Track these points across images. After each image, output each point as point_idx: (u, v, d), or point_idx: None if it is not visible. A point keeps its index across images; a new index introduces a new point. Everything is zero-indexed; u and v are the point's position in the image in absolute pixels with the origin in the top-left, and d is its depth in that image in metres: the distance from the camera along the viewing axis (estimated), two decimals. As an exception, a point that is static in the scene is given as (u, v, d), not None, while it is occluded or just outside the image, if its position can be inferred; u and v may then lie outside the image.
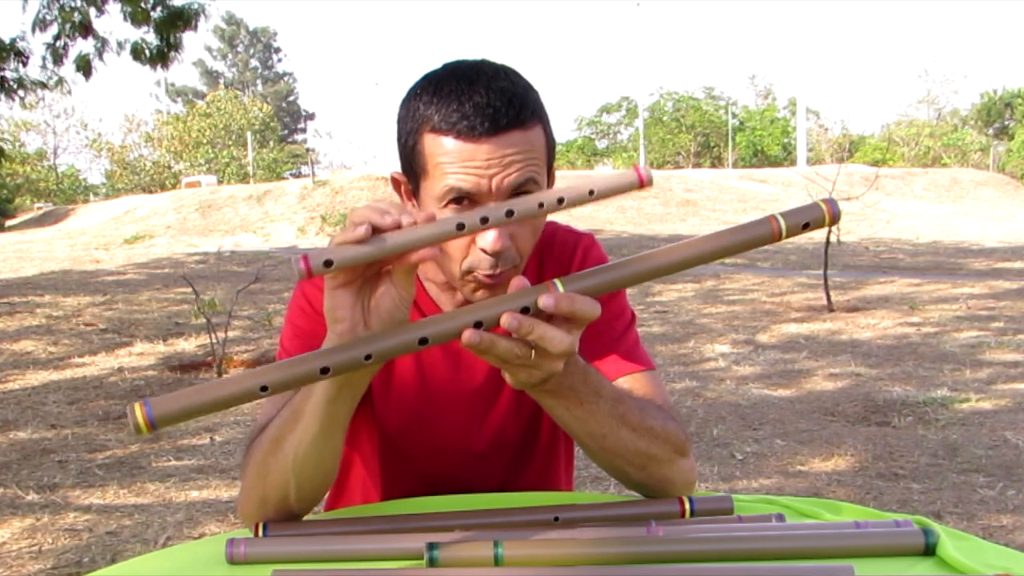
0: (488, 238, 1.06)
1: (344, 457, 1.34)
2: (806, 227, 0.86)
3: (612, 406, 1.06)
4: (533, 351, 0.88)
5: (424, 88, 1.10)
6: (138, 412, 0.78)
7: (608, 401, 1.05)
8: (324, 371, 0.82)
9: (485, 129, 1.04)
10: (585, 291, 0.87)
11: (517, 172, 1.05)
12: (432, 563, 0.91)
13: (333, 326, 0.89)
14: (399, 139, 1.13)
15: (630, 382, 1.20)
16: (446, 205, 1.07)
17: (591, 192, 0.84)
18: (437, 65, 1.14)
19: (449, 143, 1.05)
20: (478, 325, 0.84)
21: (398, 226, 0.82)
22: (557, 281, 0.87)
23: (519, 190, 1.07)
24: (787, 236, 0.86)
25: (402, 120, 1.12)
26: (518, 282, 0.88)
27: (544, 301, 0.85)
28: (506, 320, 0.84)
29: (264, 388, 0.81)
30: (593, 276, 0.88)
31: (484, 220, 0.83)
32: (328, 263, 0.80)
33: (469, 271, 1.10)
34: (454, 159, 1.05)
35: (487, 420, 1.26)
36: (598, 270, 0.88)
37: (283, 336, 1.23)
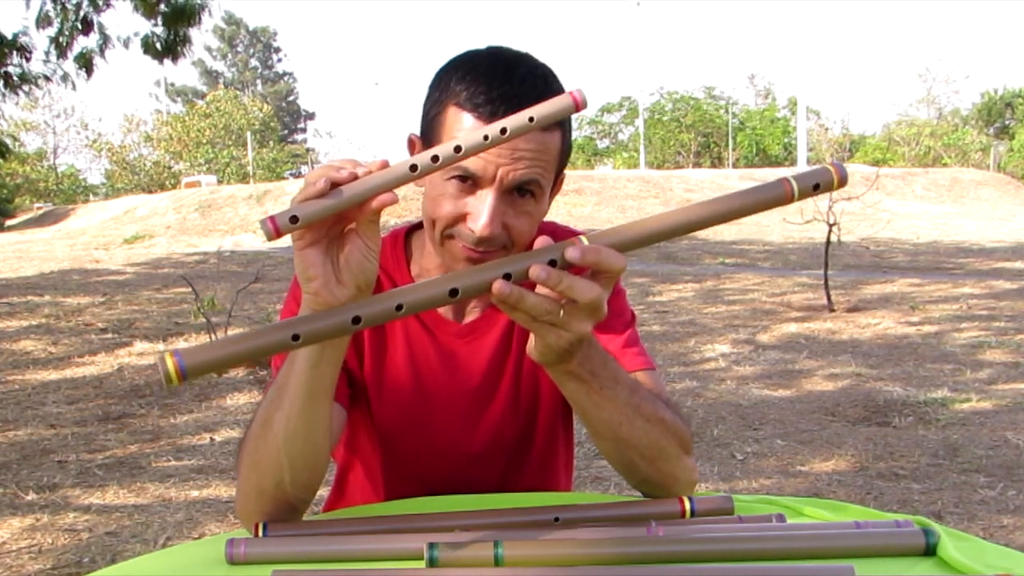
0: (480, 221, 1.07)
1: (343, 460, 1.34)
2: (816, 188, 0.88)
3: (629, 394, 1.06)
4: (561, 309, 0.89)
5: (462, 64, 1.12)
6: (169, 362, 0.77)
7: (625, 388, 1.05)
8: (356, 320, 0.82)
9: (505, 116, 1.05)
10: (609, 246, 0.89)
11: (524, 169, 1.07)
12: (432, 563, 0.91)
13: (306, 284, 0.90)
14: (425, 105, 1.15)
15: None
16: (450, 179, 1.08)
17: (531, 119, 0.86)
18: (480, 46, 1.17)
19: (468, 121, 1.07)
20: (507, 277, 0.85)
21: (355, 178, 0.84)
22: (582, 236, 0.89)
23: (523, 187, 1.08)
24: (799, 198, 0.89)
25: (432, 88, 1.14)
26: (543, 240, 0.88)
27: (571, 253, 0.86)
28: (535, 271, 0.85)
29: (295, 337, 0.81)
30: (615, 233, 0.89)
31: (435, 159, 0.85)
32: (294, 219, 0.82)
33: (451, 236, 1.11)
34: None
35: (483, 420, 1.26)
36: (620, 227, 0.90)
37: (283, 314, 1.23)
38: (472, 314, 1.25)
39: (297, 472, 1.04)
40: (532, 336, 0.94)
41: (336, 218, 0.88)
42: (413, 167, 0.84)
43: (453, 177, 1.08)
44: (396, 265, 1.26)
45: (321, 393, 1.00)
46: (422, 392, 1.24)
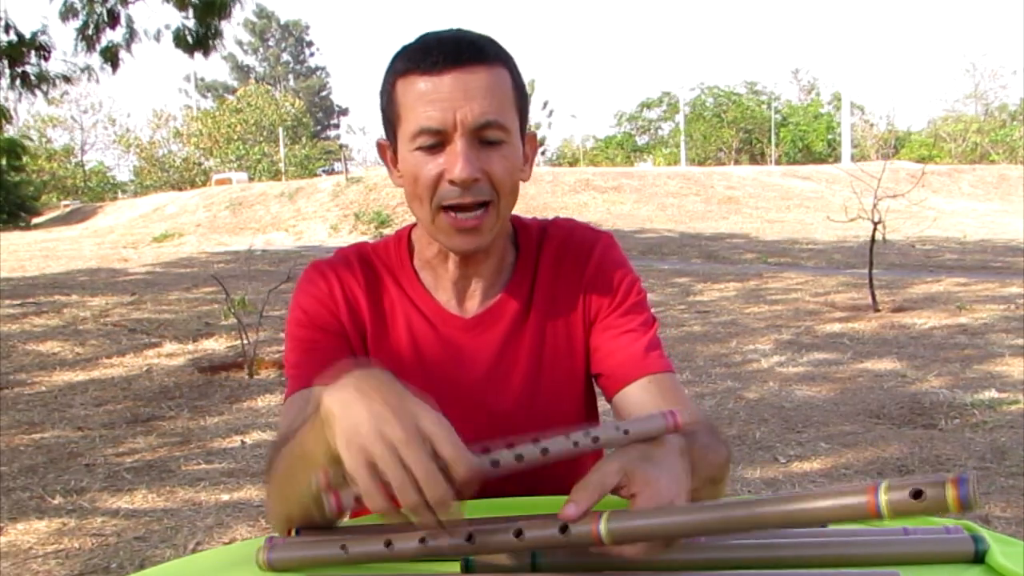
0: (456, 167, 1.08)
1: None
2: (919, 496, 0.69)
3: (702, 452, 1.00)
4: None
5: (397, 54, 1.15)
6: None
7: (702, 449, 1.01)
8: (388, 544, 0.88)
9: (446, 62, 1.09)
10: (633, 531, 0.81)
11: (480, 107, 1.08)
12: (467, 568, 0.90)
13: None
14: (380, 105, 1.18)
15: (654, 383, 1.18)
16: (417, 148, 1.11)
17: (625, 432, 0.88)
18: None
19: (415, 81, 1.10)
20: (518, 534, 0.83)
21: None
22: (603, 519, 0.81)
23: (485, 129, 1.09)
24: (890, 516, 0.71)
25: (381, 85, 1.17)
26: (570, 510, 0.83)
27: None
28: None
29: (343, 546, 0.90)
30: (643, 517, 0.82)
31: (520, 457, 0.86)
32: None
33: (440, 206, 1.12)
34: (420, 96, 1.09)
35: (490, 415, 1.22)
36: (650, 513, 0.82)
37: (290, 326, 1.23)
38: (477, 307, 1.24)
39: (324, 509, 1.03)
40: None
41: None
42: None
43: (418, 149, 1.10)
44: (400, 263, 1.26)
45: None
46: (426, 387, 1.22)
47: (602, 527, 0.80)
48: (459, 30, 1.14)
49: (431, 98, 1.09)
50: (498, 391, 1.23)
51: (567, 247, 1.26)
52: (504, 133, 1.11)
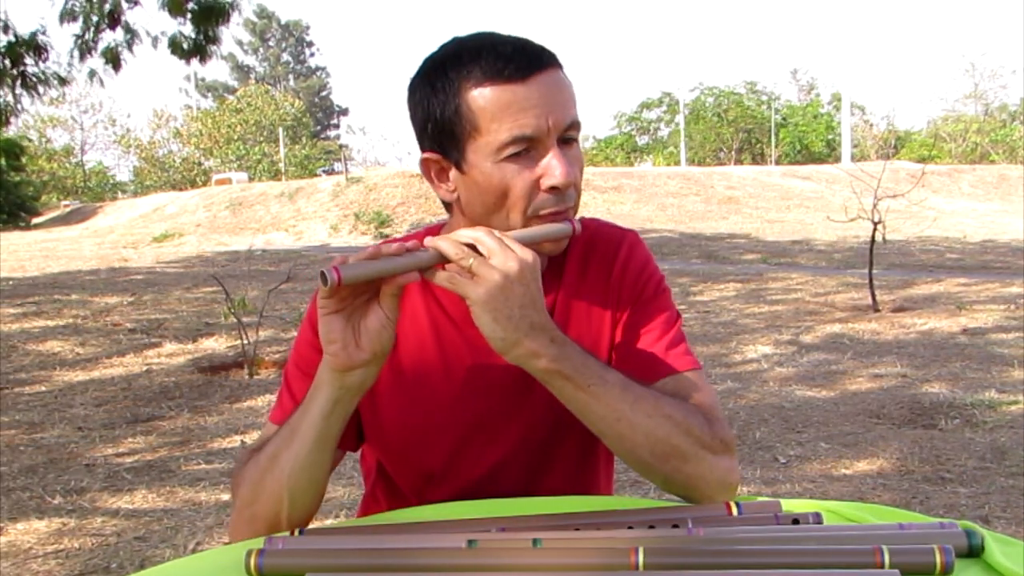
0: (557, 172, 1.08)
1: (370, 470, 1.33)
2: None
3: (621, 391, 1.06)
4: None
5: (446, 59, 1.10)
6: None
7: (616, 386, 1.06)
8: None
9: (531, 68, 1.07)
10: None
11: (567, 109, 1.09)
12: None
13: (328, 347, 1.00)
14: (428, 117, 1.12)
15: (673, 383, 1.16)
16: (507, 158, 1.08)
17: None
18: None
19: (500, 91, 1.07)
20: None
21: (403, 250, 0.98)
22: (640, 549, 0.88)
23: (569, 130, 1.10)
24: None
25: (428, 96, 1.11)
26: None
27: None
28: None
29: None
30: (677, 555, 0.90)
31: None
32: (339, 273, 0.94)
33: (534, 215, 1.11)
34: (509, 104, 1.06)
35: (514, 418, 1.22)
36: (683, 551, 0.90)
37: (288, 367, 1.25)
38: None
39: (296, 507, 1.10)
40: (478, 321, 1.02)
41: (360, 289, 0.97)
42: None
43: (506, 159, 1.08)
44: None
45: (329, 440, 1.08)
46: (448, 385, 1.21)
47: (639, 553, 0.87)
48: (513, 35, 1.12)
49: (523, 105, 1.06)
50: (519, 391, 1.21)
51: (594, 246, 1.25)
52: (577, 131, 1.12)
